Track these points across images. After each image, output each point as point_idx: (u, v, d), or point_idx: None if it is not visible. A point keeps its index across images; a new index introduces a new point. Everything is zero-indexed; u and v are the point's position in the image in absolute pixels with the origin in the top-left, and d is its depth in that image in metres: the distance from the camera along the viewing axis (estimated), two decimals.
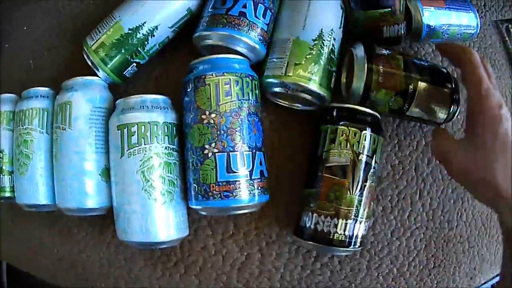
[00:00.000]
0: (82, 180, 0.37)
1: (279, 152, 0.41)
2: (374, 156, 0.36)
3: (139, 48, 0.39)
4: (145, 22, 0.38)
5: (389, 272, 0.41)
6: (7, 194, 0.43)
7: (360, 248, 0.37)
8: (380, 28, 0.39)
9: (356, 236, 0.36)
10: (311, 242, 0.36)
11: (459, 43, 0.43)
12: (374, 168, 0.36)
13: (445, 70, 0.39)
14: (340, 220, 0.35)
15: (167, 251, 0.41)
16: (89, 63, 0.40)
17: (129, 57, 0.39)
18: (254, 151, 0.34)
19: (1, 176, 0.43)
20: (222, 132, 0.33)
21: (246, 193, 0.33)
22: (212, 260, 0.40)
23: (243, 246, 0.40)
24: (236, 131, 0.34)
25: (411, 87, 0.36)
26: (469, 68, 0.33)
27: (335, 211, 0.35)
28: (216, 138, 0.33)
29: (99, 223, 0.42)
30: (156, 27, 0.39)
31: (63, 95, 0.39)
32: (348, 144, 0.35)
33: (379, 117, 0.37)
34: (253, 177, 0.34)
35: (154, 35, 0.39)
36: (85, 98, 0.38)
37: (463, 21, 0.43)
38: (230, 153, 0.33)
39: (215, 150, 0.33)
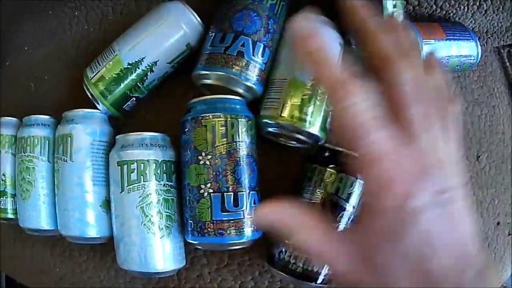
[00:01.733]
0: (83, 210, 0.38)
1: (274, 189, 0.41)
2: (350, 199, 0.36)
3: (138, 83, 0.39)
4: (144, 58, 0.38)
5: None
6: (9, 216, 0.44)
7: (324, 285, 0.36)
8: None
9: (316, 273, 0.35)
10: (274, 269, 0.37)
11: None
12: (347, 210, 0.36)
13: None
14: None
15: (165, 278, 0.42)
16: (89, 95, 0.40)
17: (128, 91, 0.40)
18: (248, 191, 0.35)
19: (4, 198, 0.44)
20: (218, 173, 0.35)
21: (239, 231, 0.35)
22: (208, 287, 0.42)
23: (237, 275, 0.42)
24: (231, 172, 0.35)
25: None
26: None
27: None
28: (212, 178, 0.35)
29: (99, 249, 0.44)
30: (155, 63, 0.39)
31: (64, 127, 0.39)
32: (322, 183, 0.36)
33: None
34: (246, 216, 0.35)
35: (153, 71, 0.39)
36: (86, 132, 0.39)
37: (462, 52, 0.44)
38: (225, 193, 0.34)
39: (211, 191, 0.35)
